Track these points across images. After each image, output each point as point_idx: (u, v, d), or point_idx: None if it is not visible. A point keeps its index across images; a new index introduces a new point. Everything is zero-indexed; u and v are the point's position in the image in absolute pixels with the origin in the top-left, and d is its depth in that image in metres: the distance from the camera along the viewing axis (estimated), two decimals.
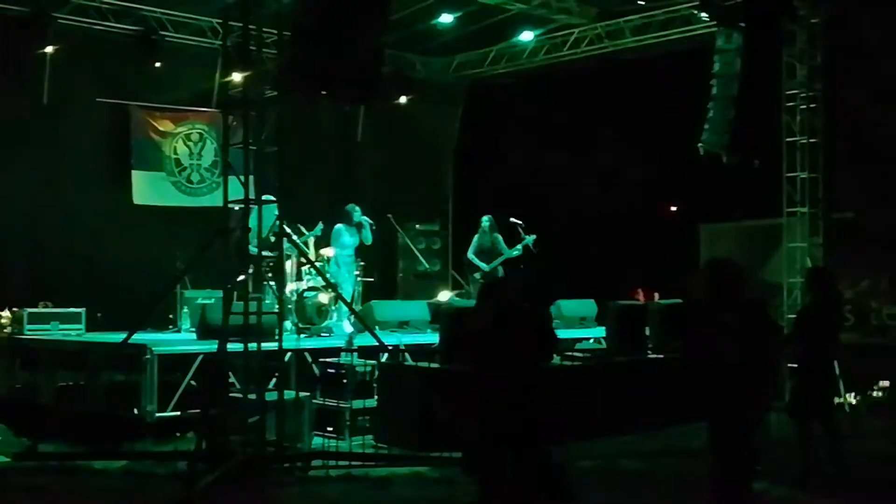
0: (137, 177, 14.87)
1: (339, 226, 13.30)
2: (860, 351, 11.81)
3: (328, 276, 12.47)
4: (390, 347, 10.85)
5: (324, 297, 12.43)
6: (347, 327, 12.59)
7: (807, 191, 13.56)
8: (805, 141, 13.57)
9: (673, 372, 10.86)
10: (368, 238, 13.47)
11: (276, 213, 10.14)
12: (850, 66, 13.38)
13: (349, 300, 12.71)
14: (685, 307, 6.78)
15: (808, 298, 9.41)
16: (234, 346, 9.07)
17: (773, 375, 7.98)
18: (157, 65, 14.23)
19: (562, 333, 12.72)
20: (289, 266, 12.29)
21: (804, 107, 13.59)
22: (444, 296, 14.41)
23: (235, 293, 9.35)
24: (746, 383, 6.39)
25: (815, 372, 8.51)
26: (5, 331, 12.51)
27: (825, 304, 8.77)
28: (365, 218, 13.46)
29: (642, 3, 14.66)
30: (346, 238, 13.31)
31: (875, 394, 12.31)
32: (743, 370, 6.37)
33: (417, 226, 16.82)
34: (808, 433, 8.42)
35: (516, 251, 14.01)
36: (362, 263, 13.77)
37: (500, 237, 14.20)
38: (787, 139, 13.66)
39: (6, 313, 12.59)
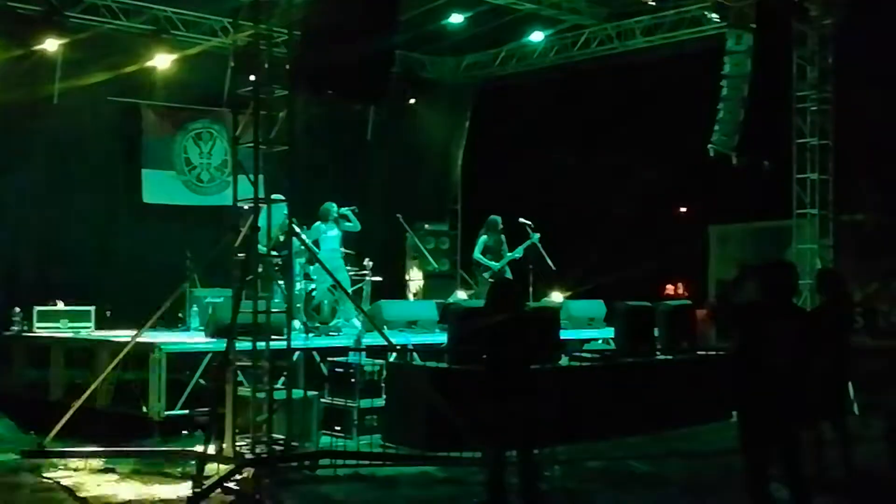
0: (147, 175, 14.90)
1: (317, 224, 12.97)
2: (869, 353, 11.78)
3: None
4: (398, 347, 10.85)
5: (332, 297, 12.41)
6: (355, 326, 12.59)
7: (817, 192, 13.54)
8: (815, 143, 13.55)
9: (717, 370, 10.87)
10: (356, 226, 13.26)
11: (286, 212, 10.14)
12: (860, 68, 13.36)
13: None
14: (739, 308, 6.64)
15: (818, 301, 9.39)
16: (242, 345, 9.08)
17: (822, 385, 7.94)
18: (168, 64, 14.26)
19: (570, 334, 12.79)
20: (297, 265, 12.28)
21: (814, 108, 13.58)
22: (462, 295, 14.37)
23: (244, 292, 9.36)
24: (786, 389, 6.33)
25: (827, 375, 8.47)
26: (14, 328, 12.57)
27: (836, 306, 8.74)
28: (344, 209, 13.26)
29: (653, 3, 14.63)
30: (327, 234, 13.08)
31: None
32: (784, 376, 6.31)
33: (426, 225, 16.81)
34: (818, 436, 8.39)
35: (521, 250, 13.97)
36: (369, 262, 13.73)
37: (503, 237, 14.17)
38: (798, 141, 13.64)
39: (17, 310, 12.65)
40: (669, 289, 16.04)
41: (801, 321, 6.53)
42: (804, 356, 6.40)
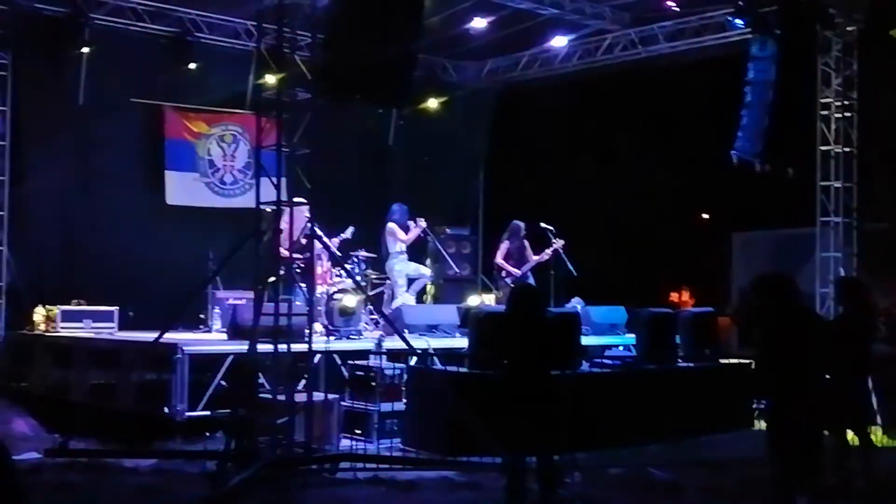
0: (171, 177, 14.96)
1: (390, 226, 13.51)
2: (892, 363, 11.68)
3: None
4: (419, 351, 10.86)
5: (353, 300, 12.44)
6: (377, 330, 12.61)
7: (841, 200, 13.46)
8: (839, 150, 13.46)
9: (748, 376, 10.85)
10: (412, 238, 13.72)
11: (308, 215, 10.17)
12: (885, 74, 13.27)
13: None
14: (755, 313, 6.73)
15: (841, 309, 9.32)
16: (264, 347, 9.10)
17: (846, 393, 7.95)
18: (192, 66, 14.34)
19: (591, 341, 12.75)
20: (319, 268, 12.32)
21: (839, 115, 13.50)
22: (475, 300, 14.37)
23: (266, 294, 9.39)
24: (803, 394, 6.34)
25: (850, 384, 8.42)
26: (39, 328, 12.65)
27: (858, 315, 8.67)
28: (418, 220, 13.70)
29: (677, 9, 14.58)
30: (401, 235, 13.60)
31: None
32: (800, 381, 6.33)
33: (448, 230, 16.80)
34: (841, 445, 8.33)
35: (545, 256, 13.95)
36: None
37: (527, 242, 14.17)
38: (822, 148, 13.55)
39: (41, 310, 12.73)
40: (674, 296, 15.93)
41: (813, 328, 6.56)
42: (817, 362, 6.43)
